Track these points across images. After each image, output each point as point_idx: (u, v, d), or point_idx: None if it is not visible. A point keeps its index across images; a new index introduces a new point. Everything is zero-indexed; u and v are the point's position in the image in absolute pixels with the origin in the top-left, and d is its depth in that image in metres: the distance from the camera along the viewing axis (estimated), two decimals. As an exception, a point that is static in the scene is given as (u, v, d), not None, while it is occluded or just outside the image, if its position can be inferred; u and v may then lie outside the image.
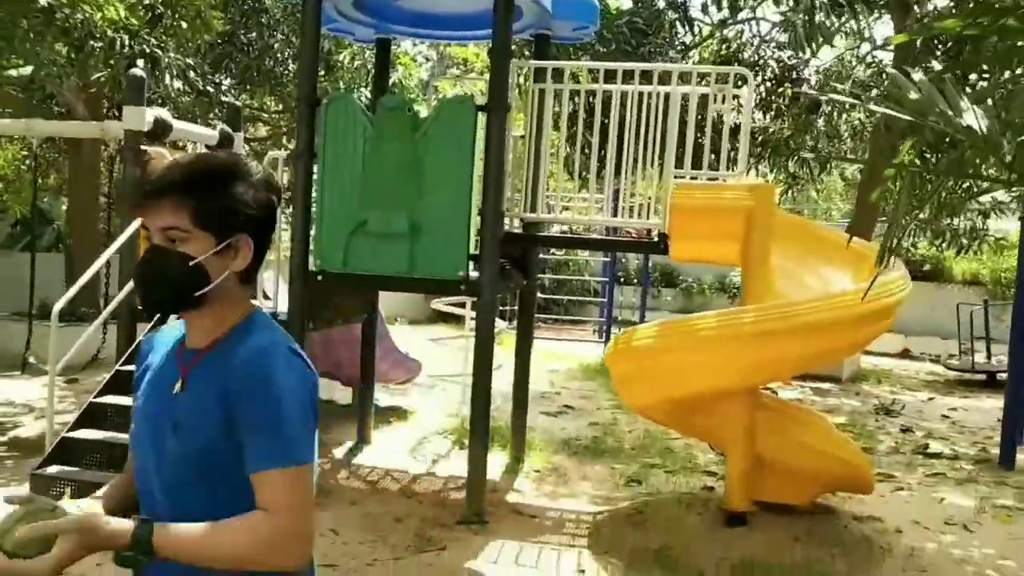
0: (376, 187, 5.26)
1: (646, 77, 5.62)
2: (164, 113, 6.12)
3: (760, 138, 13.28)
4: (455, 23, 6.58)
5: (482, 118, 5.20)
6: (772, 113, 13.25)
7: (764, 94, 14.36)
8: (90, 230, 10.39)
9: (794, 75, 14.17)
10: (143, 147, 5.96)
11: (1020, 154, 1.85)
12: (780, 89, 13.16)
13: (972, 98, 1.98)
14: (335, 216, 5.38)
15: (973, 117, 1.95)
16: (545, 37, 6.46)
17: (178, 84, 7.86)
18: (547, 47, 6.51)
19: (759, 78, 14.21)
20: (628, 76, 5.65)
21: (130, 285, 5.76)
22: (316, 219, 5.43)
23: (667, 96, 5.49)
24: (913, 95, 2.03)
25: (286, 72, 11.58)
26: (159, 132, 6.13)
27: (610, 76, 5.90)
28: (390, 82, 11.85)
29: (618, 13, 9.65)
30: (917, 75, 2.13)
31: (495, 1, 5.15)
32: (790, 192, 14.09)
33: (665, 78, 5.58)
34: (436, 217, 5.22)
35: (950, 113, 1.96)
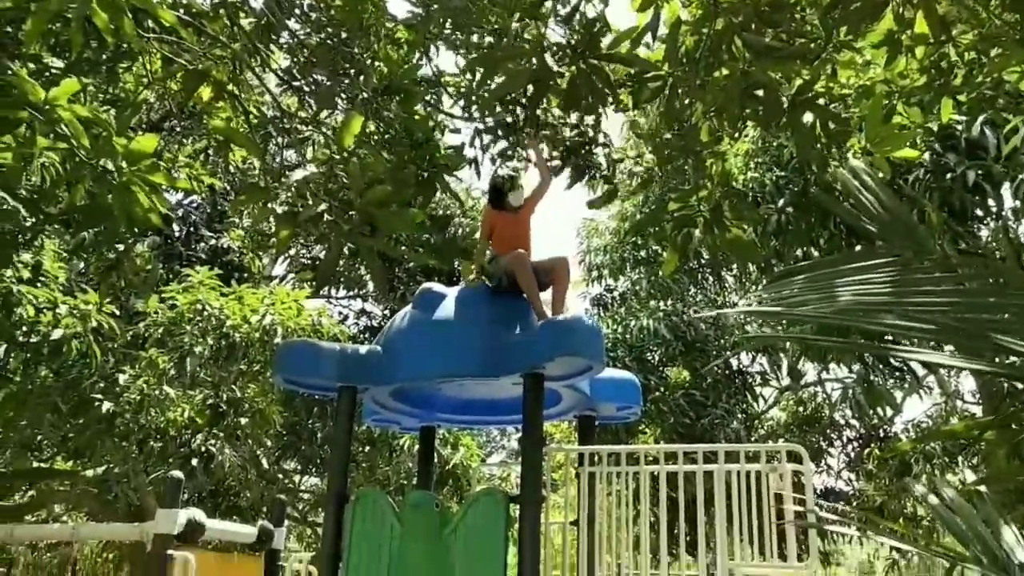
0: (401, 592, 4.77)
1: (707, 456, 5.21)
2: (198, 514, 5.95)
3: (856, 503, 12.24)
4: (497, 408, 6.50)
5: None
6: (863, 477, 12.35)
7: (851, 456, 13.62)
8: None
9: (881, 433, 13.50)
10: (170, 552, 5.70)
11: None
12: (867, 450, 12.40)
13: None
14: (356, 627, 4.83)
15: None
16: (590, 418, 6.27)
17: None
18: (591, 429, 6.28)
19: (842, 439, 13.57)
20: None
21: None
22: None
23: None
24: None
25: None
26: (191, 534, 5.91)
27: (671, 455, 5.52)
28: (449, 465, 11.76)
29: (676, 385, 9.60)
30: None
31: (524, 389, 5.04)
32: (896, 567, 12.50)
33: (714, 457, 5.17)
34: (465, 625, 4.61)
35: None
